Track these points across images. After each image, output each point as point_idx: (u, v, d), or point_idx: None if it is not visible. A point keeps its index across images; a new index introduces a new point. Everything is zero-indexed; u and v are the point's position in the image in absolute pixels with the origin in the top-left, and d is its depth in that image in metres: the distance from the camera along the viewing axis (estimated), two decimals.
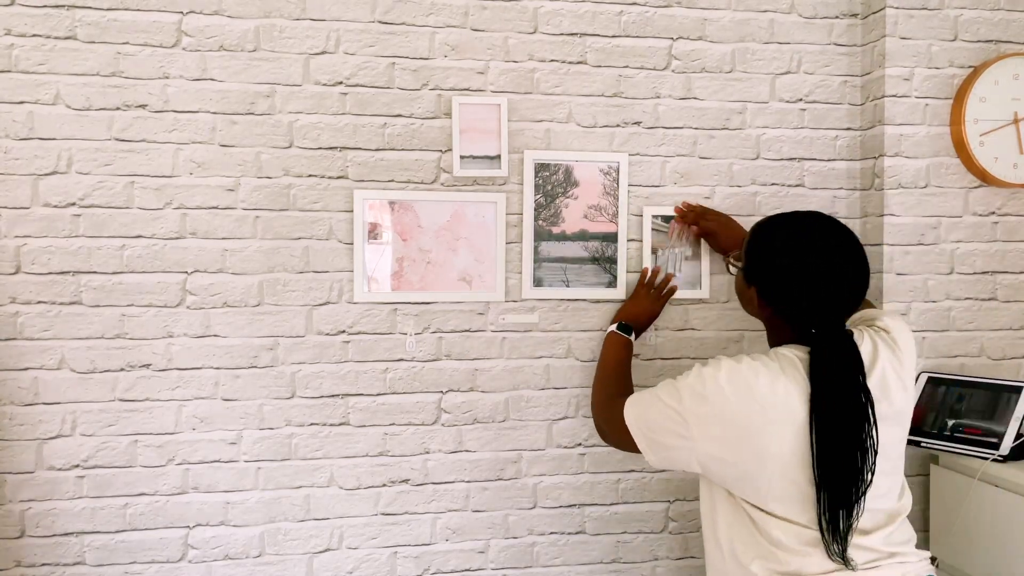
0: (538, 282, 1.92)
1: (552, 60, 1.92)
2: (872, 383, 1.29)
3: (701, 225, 1.90)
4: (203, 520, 1.83)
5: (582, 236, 1.93)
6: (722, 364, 1.32)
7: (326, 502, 1.88)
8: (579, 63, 1.93)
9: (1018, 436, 1.73)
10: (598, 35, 1.94)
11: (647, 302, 1.88)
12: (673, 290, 1.93)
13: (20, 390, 1.76)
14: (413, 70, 1.87)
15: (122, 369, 1.79)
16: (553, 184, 1.92)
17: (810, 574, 1.27)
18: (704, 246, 1.98)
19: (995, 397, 1.81)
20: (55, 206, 1.75)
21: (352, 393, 1.87)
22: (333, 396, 1.87)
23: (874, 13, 1.98)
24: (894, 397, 1.31)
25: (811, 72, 2.02)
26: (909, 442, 1.86)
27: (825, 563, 1.27)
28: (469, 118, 1.88)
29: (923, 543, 1.97)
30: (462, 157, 1.88)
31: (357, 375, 1.87)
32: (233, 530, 1.84)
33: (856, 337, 1.31)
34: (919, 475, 1.97)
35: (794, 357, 1.30)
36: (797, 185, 2.02)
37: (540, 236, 1.92)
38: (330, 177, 1.85)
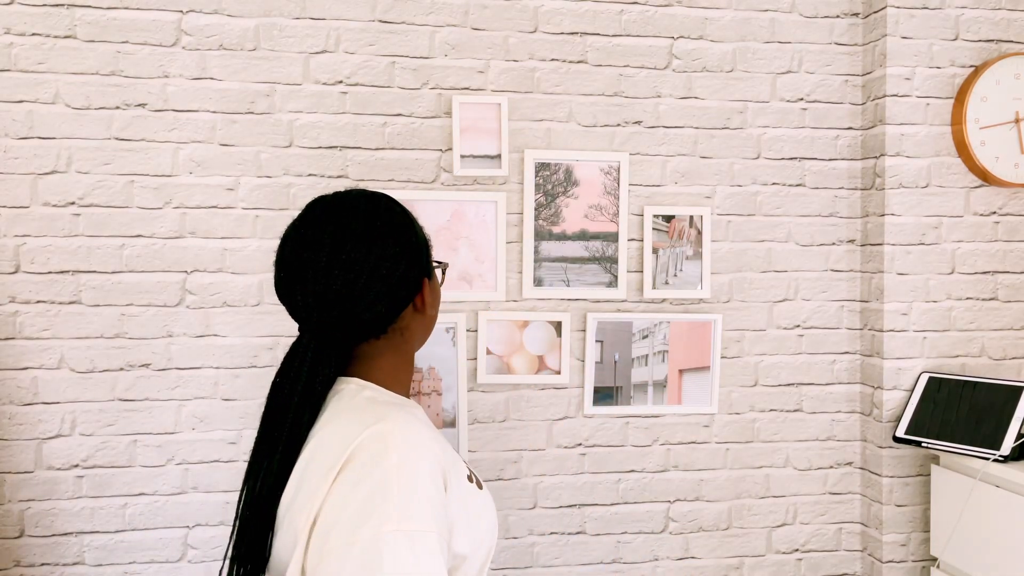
0: (538, 282, 1.92)
1: (552, 59, 1.92)
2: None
3: None
4: (203, 520, 1.83)
5: (582, 236, 1.93)
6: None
7: None
8: (580, 62, 1.93)
9: (1019, 436, 1.73)
10: (599, 34, 1.93)
11: None
12: None
13: (19, 389, 1.75)
14: (413, 69, 1.87)
15: (121, 369, 1.78)
16: (553, 183, 1.92)
17: None
18: (704, 246, 1.97)
19: (996, 397, 1.81)
20: (54, 205, 1.75)
21: None
22: None
23: (875, 12, 1.97)
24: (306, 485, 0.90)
25: (812, 71, 2.01)
26: (910, 442, 1.87)
27: None
28: (469, 117, 1.87)
29: (924, 543, 1.97)
30: (462, 156, 1.87)
31: None
32: None
33: (341, 384, 0.99)
34: (920, 475, 1.97)
35: None
36: (798, 184, 2.02)
37: (540, 236, 1.92)
38: (330, 176, 1.84)
